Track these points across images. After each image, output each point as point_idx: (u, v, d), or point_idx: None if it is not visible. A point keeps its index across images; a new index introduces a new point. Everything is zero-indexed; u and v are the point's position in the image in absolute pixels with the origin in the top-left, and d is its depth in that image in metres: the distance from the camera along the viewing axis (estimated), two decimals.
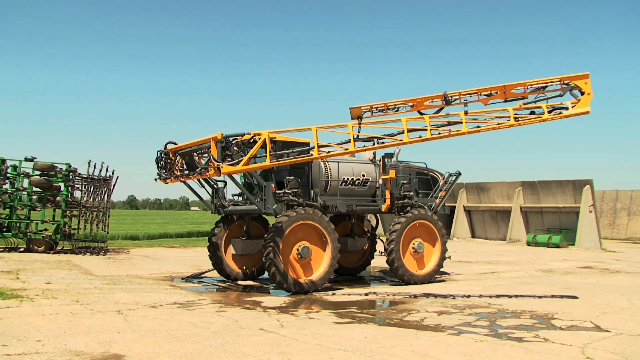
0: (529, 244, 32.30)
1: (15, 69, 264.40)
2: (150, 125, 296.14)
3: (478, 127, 12.28)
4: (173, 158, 13.97)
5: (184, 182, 14.37)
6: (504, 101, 12.09)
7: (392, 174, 15.90)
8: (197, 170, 13.00)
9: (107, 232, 24.77)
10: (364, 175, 15.98)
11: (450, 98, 12.14)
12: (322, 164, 15.22)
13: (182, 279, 16.07)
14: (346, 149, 12.58)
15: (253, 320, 9.81)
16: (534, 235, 32.40)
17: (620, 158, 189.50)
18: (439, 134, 12.40)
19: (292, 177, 14.14)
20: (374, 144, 12.65)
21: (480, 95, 12.00)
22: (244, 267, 16.15)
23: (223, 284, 15.31)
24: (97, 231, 23.96)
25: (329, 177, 15.21)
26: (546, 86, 11.77)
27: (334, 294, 13.46)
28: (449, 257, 16.74)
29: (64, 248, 23.10)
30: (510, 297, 12.91)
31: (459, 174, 17.62)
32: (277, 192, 13.95)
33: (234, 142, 12.23)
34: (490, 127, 12.18)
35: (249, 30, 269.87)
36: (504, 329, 9.29)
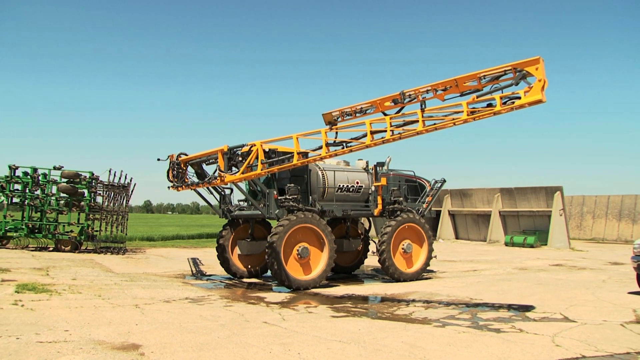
0: (506, 244, 32.27)
1: (44, 87, 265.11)
2: (163, 136, 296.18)
3: (434, 124, 10.55)
4: (184, 168, 13.99)
5: (195, 190, 14.40)
6: (460, 95, 10.41)
7: (383, 181, 15.94)
8: (206, 179, 13.04)
9: (126, 234, 24.74)
10: (357, 183, 16.02)
11: (406, 96, 10.81)
12: (319, 172, 15.26)
13: (192, 276, 16.06)
14: (319, 155, 11.87)
15: (257, 314, 9.81)
16: (511, 236, 32.39)
17: (587, 167, 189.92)
18: (399, 134, 10.96)
19: (292, 185, 14.17)
20: (342, 148, 11.78)
21: (437, 91, 10.48)
22: (249, 266, 16.15)
23: (230, 282, 15.29)
24: (116, 233, 23.95)
25: (326, 184, 15.24)
26: (501, 75, 9.82)
27: (316, 294, 13.45)
28: (435, 257, 16.74)
29: (88, 248, 23.05)
30: (478, 305, 12.89)
31: (444, 181, 17.65)
32: (279, 198, 13.99)
33: (238, 153, 12.26)
34: (445, 123, 10.42)
35: (249, 49, 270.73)
36: (484, 321, 9.30)
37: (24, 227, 21.74)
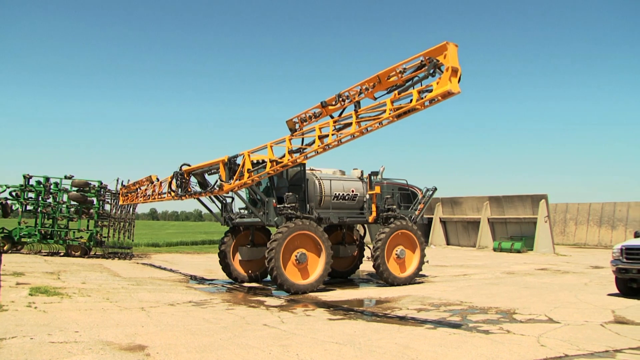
0: (495, 250, 32.27)
1: (54, 100, 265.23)
2: (166, 148, 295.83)
3: (366, 125, 9.49)
4: (187, 178, 13.99)
5: (198, 199, 14.39)
6: (387, 92, 9.24)
7: (377, 189, 15.94)
8: (208, 189, 13.05)
9: (132, 240, 24.72)
10: (353, 191, 16.05)
11: (342, 97, 10.03)
12: (317, 181, 15.28)
13: (194, 280, 16.01)
14: (282, 162, 11.43)
15: (257, 317, 9.79)
16: (499, 242, 32.39)
17: (570, 177, 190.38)
18: (338, 137, 10.05)
19: (290, 193, 14.16)
20: (300, 154, 11.22)
21: (367, 89, 9.46)
22: (250, 271, 16.11)
23: (231, 286, 15.24)
24: (124, 239, 23.93)
25: (323, 193, 15.25)
26: (420, 67, 8.47)
27: (314, 298, 13.40)
28: (427, 262, 16.73)
29: (96, 253, 23.02)
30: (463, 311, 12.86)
31: (435, 189, 17.68)
32: (278, 206, 13.98)
33: (238, 162, 12.25)
34: (372, 123, 9.31)
35: (247, 65, 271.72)
36: (474, 323, 9.29)
37: (37, 233, 21.76)
